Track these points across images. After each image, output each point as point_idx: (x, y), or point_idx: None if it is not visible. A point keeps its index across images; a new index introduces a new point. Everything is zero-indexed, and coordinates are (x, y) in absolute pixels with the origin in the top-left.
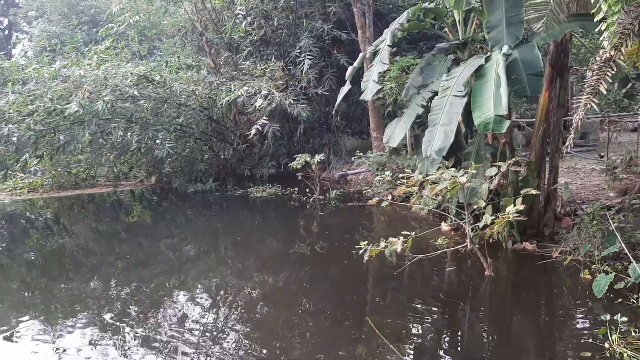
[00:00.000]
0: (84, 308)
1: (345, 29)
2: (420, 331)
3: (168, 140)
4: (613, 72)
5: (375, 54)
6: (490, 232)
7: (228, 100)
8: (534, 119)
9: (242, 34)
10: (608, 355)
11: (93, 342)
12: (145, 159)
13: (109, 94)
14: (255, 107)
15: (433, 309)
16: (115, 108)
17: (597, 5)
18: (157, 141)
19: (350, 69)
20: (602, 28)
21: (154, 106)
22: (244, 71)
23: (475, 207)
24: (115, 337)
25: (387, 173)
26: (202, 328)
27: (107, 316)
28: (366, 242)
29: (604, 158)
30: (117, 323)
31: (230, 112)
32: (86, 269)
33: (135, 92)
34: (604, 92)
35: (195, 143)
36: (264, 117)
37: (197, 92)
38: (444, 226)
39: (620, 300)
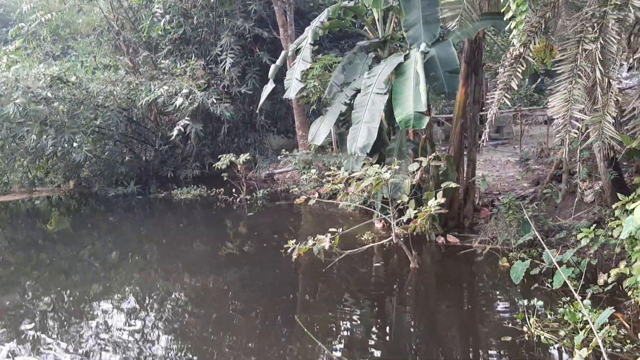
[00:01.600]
0: (1, 320)
1: (266, 27)
2: (349, 326)
3: (86, 143)
4: (523, 69)
5: (297, 52)
6: (414, 225)
7: (148, 101)
8: (452, 115)
9: (160, 33)
10: (527, 338)
11: (11, 355)
12: (62, 164)
13: (20, 96)
14: (176, 106)
15: (361, 303)
16: (27, 111)
17: (507, 5)
18: (74, 144)
19: (273, 67)
20: (512, 26)
21: (70, 108)
22: (163, 70)
23: (399, 201)
24: (36, 350)
25: (313, 171)
26: (128, 336)
27: (26, 327)
28: (294, 240)
29: (516, 148)
30: (37, 334)
31: (150, 112)
32: (1, 280)
33: (49, 94)
34: (516, 88)
35: (115, 145)
36: (186, 117)
37: (115, 92)
38: (376, 223)
39: (536, 285)
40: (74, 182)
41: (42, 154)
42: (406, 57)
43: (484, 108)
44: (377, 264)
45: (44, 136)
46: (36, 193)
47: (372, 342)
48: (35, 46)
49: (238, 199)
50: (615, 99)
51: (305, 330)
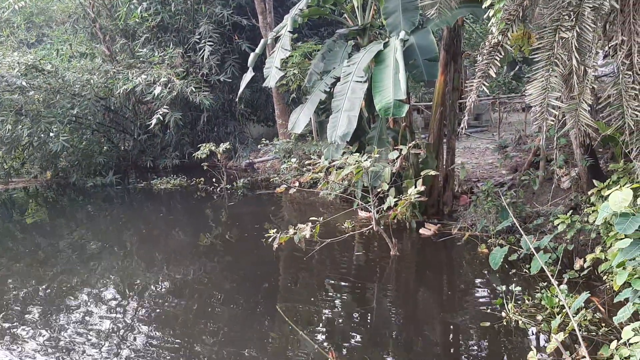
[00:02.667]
0: None
1: (245, 15)
2: (330, 313)
3: (63, 133)
4: (501, 56)
5: (276, 39)
6: (394, 213)
7: (126, 89)
8: (431, 103)
9: (138, 20)
10: (505, 323)
11: None
12: (38, 154)
13: None
14: (155, 95)
15: (342, 290)
16: (2, 100)
17: None
18: (51, 134)
19: (252, 55)
20: (490, 14)
21: (46, 97)
22: (141, 58)
23: (379, 190)
24: (13, 343)
25: (293, 160)
26: (108, 327)
27: (3, 321)
28: (275, 229)
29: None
30: (15, 327)
31: (128, 101)
32: None
33: (24, 83)
34: (494, 75)
35: (93, 135)
36: (164, 106)
37: (92, 81)
38: (361, 213)
39: (514, 270)
40: (51, 172)
41: (17, 144)
42: (385, 44)
43: (463, 96)
44: (358, 252)
45: (20, 126)
46: (12, 184)
47: (352, 329)
48: (9, 34)
49: (218, 189)
50: (591, 87)
51: (286, 318)
